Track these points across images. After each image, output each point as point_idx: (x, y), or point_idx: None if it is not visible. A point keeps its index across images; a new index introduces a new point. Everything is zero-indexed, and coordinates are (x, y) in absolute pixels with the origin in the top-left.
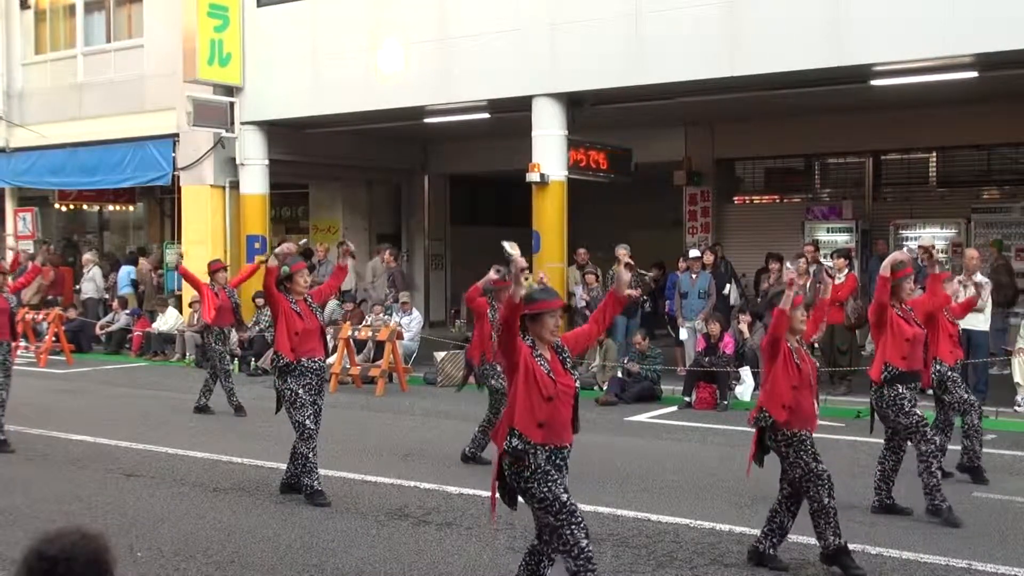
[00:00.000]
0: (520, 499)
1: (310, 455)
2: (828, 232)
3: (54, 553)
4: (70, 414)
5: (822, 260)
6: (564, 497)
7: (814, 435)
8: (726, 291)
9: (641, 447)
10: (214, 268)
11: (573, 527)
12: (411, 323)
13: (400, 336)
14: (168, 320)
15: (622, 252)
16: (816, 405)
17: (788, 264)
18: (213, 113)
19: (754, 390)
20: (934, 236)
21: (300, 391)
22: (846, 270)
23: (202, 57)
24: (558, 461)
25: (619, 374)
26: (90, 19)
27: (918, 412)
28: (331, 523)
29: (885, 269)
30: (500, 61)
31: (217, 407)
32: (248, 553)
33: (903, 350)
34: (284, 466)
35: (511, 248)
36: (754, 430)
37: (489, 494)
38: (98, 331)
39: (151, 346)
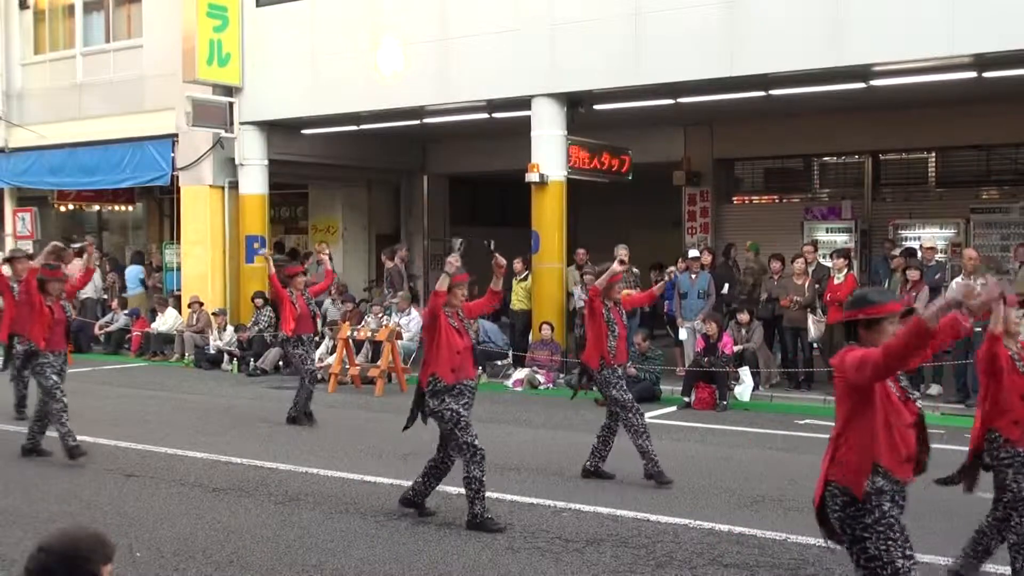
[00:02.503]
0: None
1: (484, 478)
2: (827, 232)
3: (41, 544)
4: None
5: (822, 260)
6: (900, 563)
7: (812, 436)
8: (724, 290)
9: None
10: (292, 272)
11: None
12: (410, 323)
13: (399, 336)
14: (167, 320)
15: (622, 252)
16: None
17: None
18: (212, 113)
19: (753, 390)
20: (933, 236)
21: (461, 410)
22: (845, 270)
23: (201, 57)
24: (901, 501)
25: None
26: (89, 19)
27: None
28: (330, 523)
29: None
30: (499, 61)
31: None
32: (247, 553)
33: None
34: (283, 466)
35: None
36: (968, 447)
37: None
38: (97, 331)
39: (150, 346)
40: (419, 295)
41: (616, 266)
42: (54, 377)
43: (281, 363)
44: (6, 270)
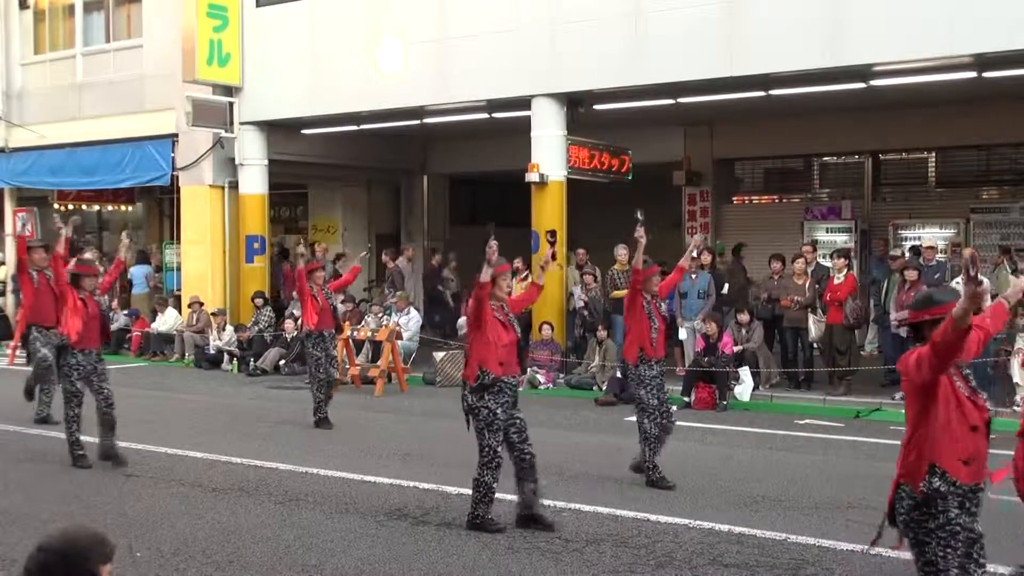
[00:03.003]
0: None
1: (494, 484)
2: (827, 232)
3: (40, 543)
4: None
5: (822, 260)
6: (954, 573)
7: (812, 436)
8: (724, 290)
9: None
10: (312, 268)
11: None
12: (409, 323)
13: (399, 336)
14: (167, 320)
15: (622, 252)
16: None
17: None
18: (212, 113)
19: (753, 390)
20: (933, 236)
21: (498, 411)
22: (845, 270)
23: (201, 57)
24: (972, 508)
25: (618, 374)
26: (89, 19)
27: None
28: (330, 523)
29: None
30: (499, 61)
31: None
32: (247, 553)
33: None
34: (283, 466)
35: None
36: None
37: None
38: None
39: (150, 346)
40: (459, 296)
41: (637, 243)
42: (78, 384)
43: (283, 362)
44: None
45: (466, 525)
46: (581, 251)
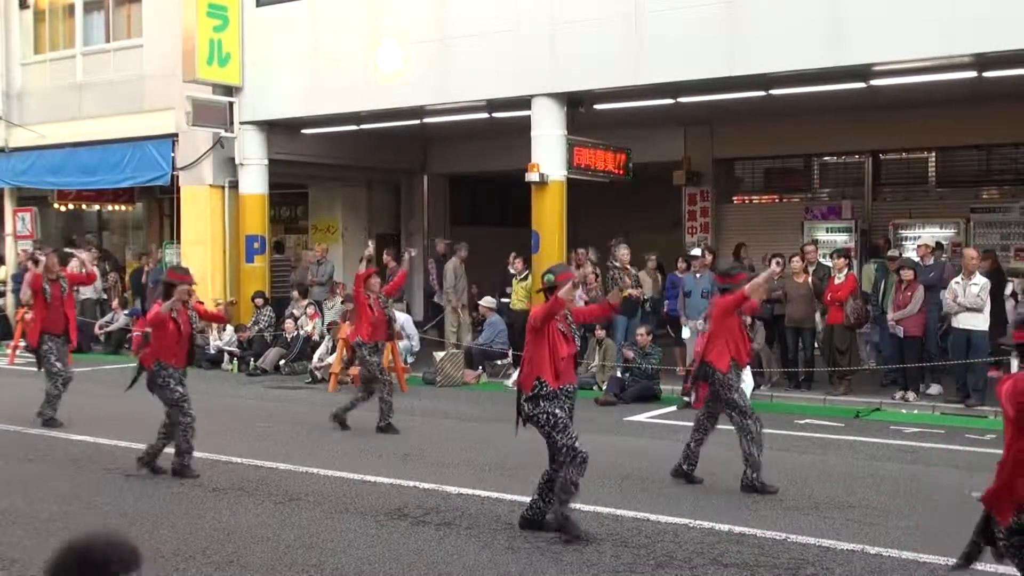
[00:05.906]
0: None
1: (579, 482)
2: (827, 232)
3: (67, 542)
4: (70, 414)
5: (822, 260)
6: None
7: (812, 436)
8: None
9: (641, 447)
10: (368, 273)
11: None
12: (403, 325)
13: (399, 336)
14: None
15: (622, 253)
16: None
17: None
18: (212, 113)
19: (754, 390)
20: (933, 236)
21: (558, 411)
22: (846, 270)
23: (201, 57)
24: None
25: (618, 373)
26: (89, 19)
27: None
28: (330, 523)
29: None
30: (499, 61)
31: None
32: (247, 553)
33: None
34: (283, 466)
35: None
36: None
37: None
38: (97, 331)
39: None
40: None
41: (774, 266)
42: (180, 390)
43: (283, 362)
44: (38, 269)
45: (560, 530)
46: (581, 251)
